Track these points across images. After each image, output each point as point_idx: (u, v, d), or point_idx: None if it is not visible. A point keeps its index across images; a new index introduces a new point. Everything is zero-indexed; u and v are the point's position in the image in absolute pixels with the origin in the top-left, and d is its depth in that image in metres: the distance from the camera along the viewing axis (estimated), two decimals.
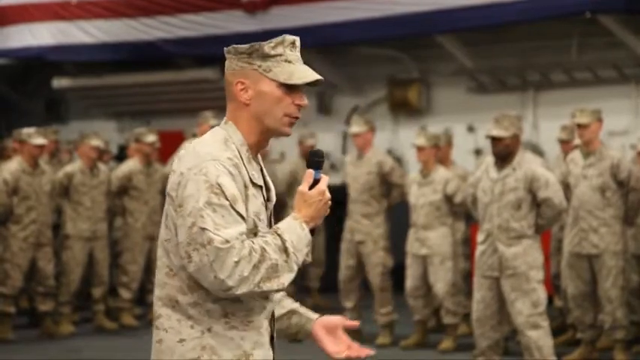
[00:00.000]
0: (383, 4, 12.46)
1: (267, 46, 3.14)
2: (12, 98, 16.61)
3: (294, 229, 3.07)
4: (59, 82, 15.61)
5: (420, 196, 9.14)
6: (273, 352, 3.19)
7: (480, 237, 7.42)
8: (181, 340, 3.07)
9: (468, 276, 9.38)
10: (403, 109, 13.38)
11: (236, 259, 2.95)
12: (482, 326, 7.35)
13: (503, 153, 7.22)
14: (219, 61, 14.30)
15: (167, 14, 14.32)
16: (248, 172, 3.11)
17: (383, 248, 9.48)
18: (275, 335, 3.22)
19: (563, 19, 11.75)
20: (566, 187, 8.18)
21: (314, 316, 3.33)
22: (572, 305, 8.42)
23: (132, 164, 10.72)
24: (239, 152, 3.12)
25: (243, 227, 3.02)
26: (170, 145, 11.71)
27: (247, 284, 2.97)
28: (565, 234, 8.44)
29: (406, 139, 12.01)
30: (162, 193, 10.80)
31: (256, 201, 3.12)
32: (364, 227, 9.49)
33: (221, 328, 3.06)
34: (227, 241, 2.96)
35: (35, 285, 10.00)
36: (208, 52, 14.09)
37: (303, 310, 3.36)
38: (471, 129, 12.72)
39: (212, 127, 12.95)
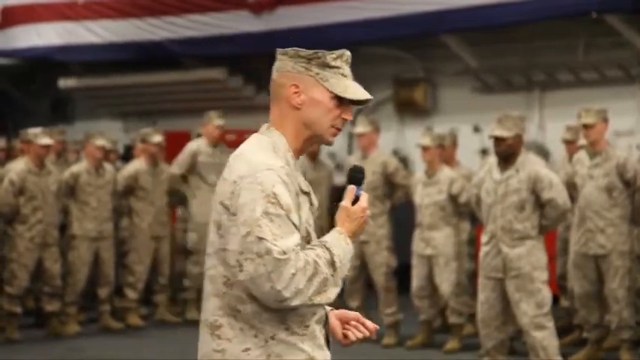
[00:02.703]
0: (388, 3, 12.47)
1: (330, 57, 3.16)
2: (18, 98, 16.66)
3: (340, 244, 3.09)
4: (65, 82, 15.65)
5: (425, 196, 9.14)
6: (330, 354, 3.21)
7: (483, 238, 7.41)
8: (246, 349, 3.06)
9: (473, 276, 9.37)
10: (409, 109, 13.39)
11: (293, 271, 2.95)
12: (487, 327, 7.34)
13: (506, 153, 7.21)
14: (225, 61, 14.48)
15: (173, 14, 14.35)
16: (297, 180, 3.12)
17: (386, 248, 9.48)
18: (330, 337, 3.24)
19: (569, 19, 11.75)
20: (572, 188, 8.17)
21: (327, 308, 3.32)
22: (578, 305, 8.42)
23: (138, 164, 10.73)
24: (286, 159, 3.12)
25: (297, 238, 3.01)
26: (176, 145, 11.72)
27: (302, 297, 2.99)
28: (571, 234, 8.42)
29: (412, 139, 12.02)
30: (168, 193, 10.83)
31: (305, 208, 3.13)
32: (368, 228, 9.45)
33: (284, 335, 3.07)
34: (285, 252, 2.95)
35: (41, 285, 10.00)
36: (214, 52, 14.13)
37: None
38: (476, 129, 12.72)
39: (217, 126, 12.86)
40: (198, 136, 11.27)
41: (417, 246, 9.22)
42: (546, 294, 7.18)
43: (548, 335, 7.14)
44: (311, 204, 3.19)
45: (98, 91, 15.67)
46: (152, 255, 10.66)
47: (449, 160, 9.74)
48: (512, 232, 7.20)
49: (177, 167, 10.79)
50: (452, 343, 9.11)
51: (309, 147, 3.22)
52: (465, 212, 9.22)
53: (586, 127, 8.13)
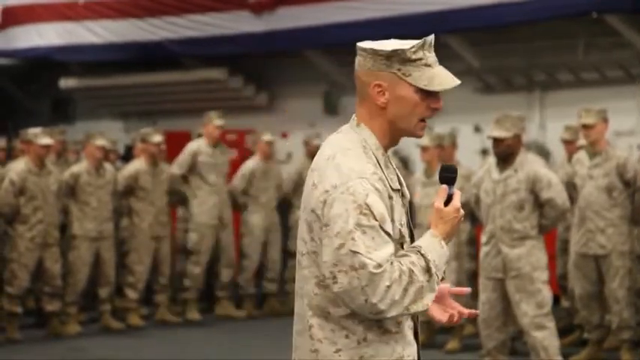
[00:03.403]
0: (389, 3, 12.46)
1: (410, 51, 3.10)
2: (19, 98, 16.66)
3: (435, 248, 3.04)
4: (66, 82, 15.66)
5: (425, 197, 9.15)
6: (418, 346, 3.17)
7: (483, 238, 7.41)
8: (337, 351, 3.02)
9: (473, 276, 9.36)
10: None
11: (388, 284, 2.91)
12: (488, 327, 7.34)
13: (505, 154, 7.21)
14: (225, 61, 14.47)
15: (174, 14, 14.35)
16: (388, 180, 3.05)
17: None
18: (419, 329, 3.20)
19: (569, 19, 11.74)
20: (572, 188, 8.17)
21: None
22: (579, 306, 8.41)
23: (138, 164, 10.73)
24: (376, 158, 3.06)
25: (391, 248, 2.96)
26: (176, 145, 11.72)
27: (397, 307, 2.94)
28: (571, 234, 8.42)
29: (412, 139, 12.00)
30: (168, 193, 10.83)
31: (398, 207, 3.07)
32: None
33: (375, 336, 3.02)
34: (379, 265, 2.90)
35: (42, 285, 10.00)
36: (215, 52, 14.13)
37: None
38: (477, 129, 12.71)
39: (217, 126, 12.77)
40: (199, 136, 11.28)
41: None
42: (546, 294, 7.18)
43: (548, 335, 7.13)
44: (403, 196, 3.12)
45: (98, 91, 15.67)
46: (152, 255, 10.66)
47: (448, 160, 9.72)
48: (511, 232, 7.19)
49: (177, 167, 10.81)
50: (452, 344, 9.11)
51: (398, 141, 3.18)
52: (464, 212, 9.20)
53: (586, 127, 8.12)
